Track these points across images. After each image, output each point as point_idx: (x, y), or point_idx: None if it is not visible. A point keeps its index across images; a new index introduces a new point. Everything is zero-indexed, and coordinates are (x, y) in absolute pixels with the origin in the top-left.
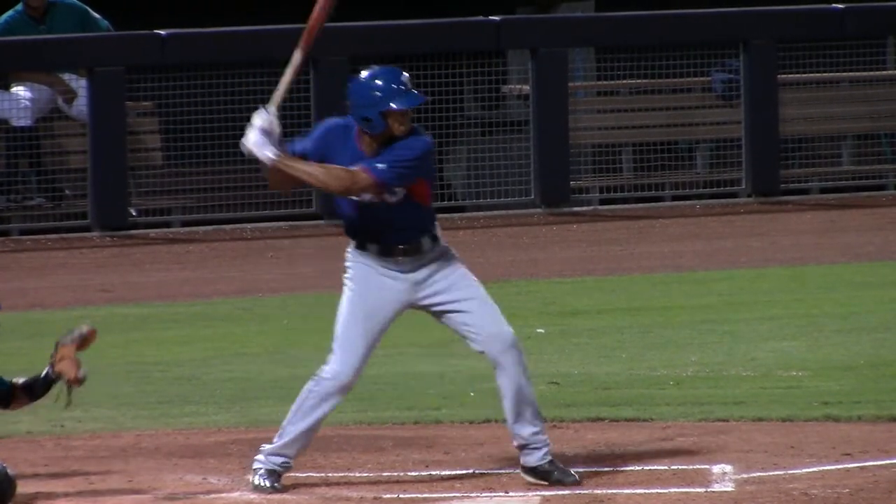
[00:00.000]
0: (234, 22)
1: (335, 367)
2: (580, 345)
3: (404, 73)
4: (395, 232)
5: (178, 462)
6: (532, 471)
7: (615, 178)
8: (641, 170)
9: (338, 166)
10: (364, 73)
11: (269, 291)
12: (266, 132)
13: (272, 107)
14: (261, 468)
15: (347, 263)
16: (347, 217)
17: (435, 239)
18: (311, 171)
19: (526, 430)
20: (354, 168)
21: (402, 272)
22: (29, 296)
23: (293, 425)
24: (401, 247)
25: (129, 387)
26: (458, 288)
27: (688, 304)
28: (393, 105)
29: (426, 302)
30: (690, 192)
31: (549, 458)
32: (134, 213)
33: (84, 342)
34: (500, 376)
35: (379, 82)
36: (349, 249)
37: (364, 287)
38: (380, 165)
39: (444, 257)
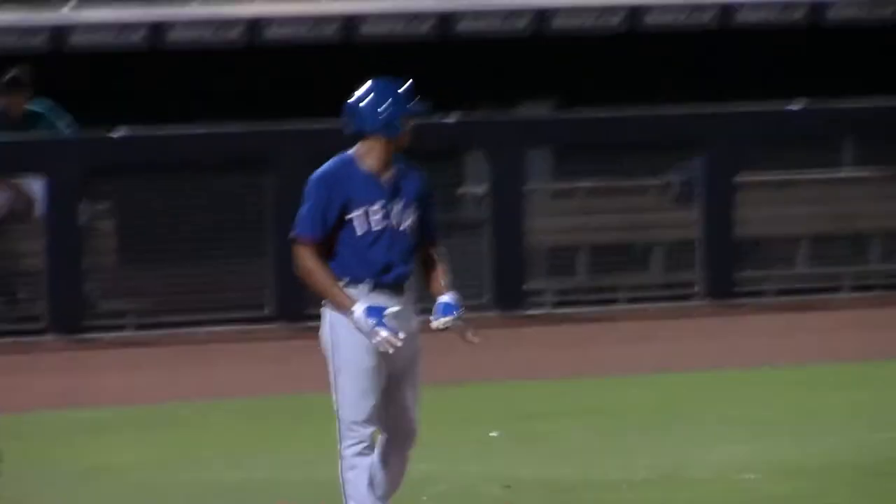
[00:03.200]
0: (192, 121)
1: (355, 432)
2: (534, 448)
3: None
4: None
5: None
6: None
7: (570, 280)
8: (597, 272)
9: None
10: (369, 84)
11: (225, 394)
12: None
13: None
14: None
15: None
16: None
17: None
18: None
19: None
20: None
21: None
22: None
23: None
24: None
25: (85, 491)
26: (415, 351)
27: (641, 406)
28: (414, 107)
29: (392, 368)
30: (645, 294)
31: None
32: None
33: None
34: (388, 464)
35: (396, 88)
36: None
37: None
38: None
39: (412, 310)
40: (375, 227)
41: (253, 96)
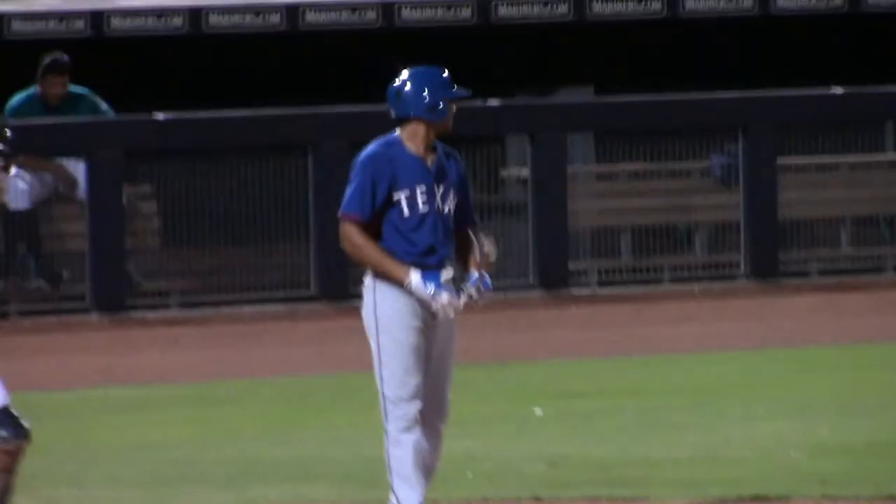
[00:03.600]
0: (230, 106)
1: (400, 409)
2: (578, 426)
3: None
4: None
5: None
6: None
7: (614, 260)
8: (640, 253)
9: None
10: (411, 70)
11: (266, 373)
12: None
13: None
14: None
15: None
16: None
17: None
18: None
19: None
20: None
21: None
22: (28, 377)
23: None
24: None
25: (127, 468)
26: (451, 340)
27: (685, 385)
28: (457, 90)
29: (427, 337)
30: (689, 274)
31: None
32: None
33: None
34: (428, 440)
35: (440, 73)
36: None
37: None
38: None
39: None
40: (422, 210)
41: (293, 81)
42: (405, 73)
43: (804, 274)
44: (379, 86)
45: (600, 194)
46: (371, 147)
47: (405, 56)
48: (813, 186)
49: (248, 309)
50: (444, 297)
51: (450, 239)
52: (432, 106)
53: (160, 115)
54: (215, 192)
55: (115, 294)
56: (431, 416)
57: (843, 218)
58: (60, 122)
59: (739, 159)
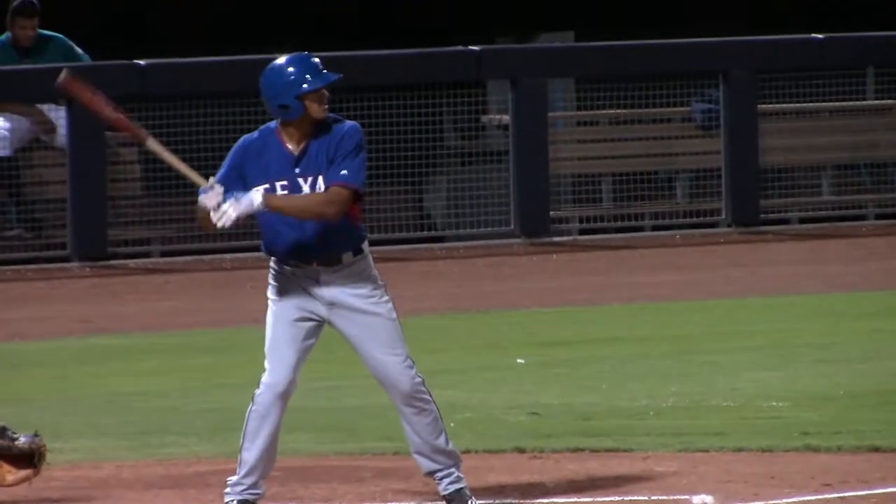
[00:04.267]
0: (213, 52)
1: (268, 378)
2: (560, 375)
3: (314, 57)
4: (315, 243)
5: (158, 493)
6: (443, 498)
7: (595, 207)
8: (621, 200)
9: (315, 193)
10: (272, 64)
11: (249, 322)
12: (233, 197)
13: (209, 180)
14: (233, 500)
15: (270, 276)
16: (270, 231)
17: (358, 253)
18: (297, 202)
19: (426, 466)
20: (329, 190)
21: (318, 285)
22: (8, 327)
23: (248, 451)
24: (316, 262)
25: (108, 418)
26: (366, 326)
27: (667, 334)
28: (306, 86)
29: (336, 327)
30: (670, 221)
31: (452, 487)
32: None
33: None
34: (401, 417)
35: (291, 68)
36: (272, 262)
37: (286, 295)
38: (343, 173)
39: (364, 281)
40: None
41: (277, 25)
42: (269, 66)
43: (785, 221)
44: (371, 32)
45: (581, 141)
46: (247, 136)
47: (387, 2)
48: (794, 133)
49: (229, 257)
50: (230, 210)
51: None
52: (282, 107)
53: (141, 61)
54: (197, 138)
55: (96, 242)
56: (392, 398)
57: (824, 165)
58: (40, 68)
59: (720, 105)
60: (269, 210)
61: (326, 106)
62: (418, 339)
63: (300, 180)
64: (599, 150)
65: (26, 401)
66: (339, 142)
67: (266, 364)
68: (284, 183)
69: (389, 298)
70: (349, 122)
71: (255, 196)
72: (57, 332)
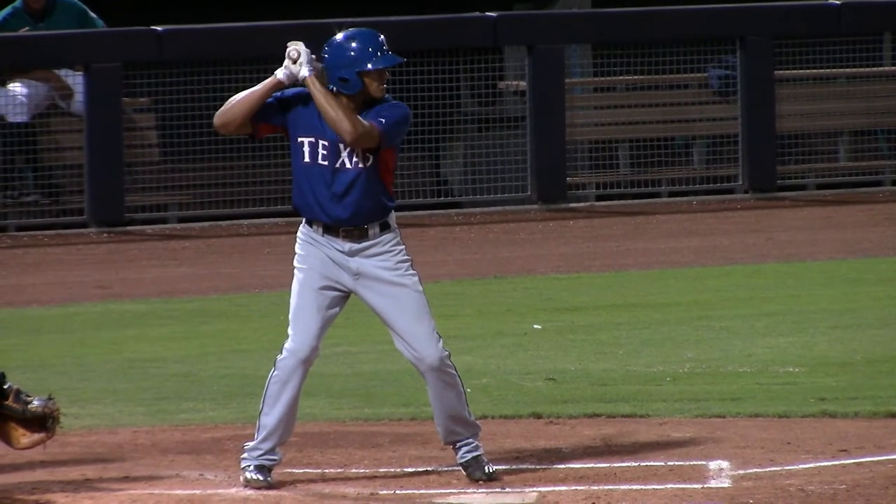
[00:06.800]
0: (230, 18)
1: (291, 344)
2: (576, 341)
3: (381, 34)
4: (345, 209)
5: (174, 458)
6: (460, 465)
7: (612, 174)
8: (638, 166)
9: (349, 113)
10: (340, 35)
11: (265, 287)
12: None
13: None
14: (249, 465)
15: (297, 244)
16: (302, 188)
17: (385, 227)
18: (333, 104)
19: (446, 437)
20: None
21: (345, 255)
22: (25, 292)
23: (267, 416)
24: (343, 229)
25: (125, 383)
26: (393, 297)
27: (684, 300)
28: (370, 65)
29: (363, 298)
30: (687, 188)
31: (469, 455)
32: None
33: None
34: (427, 387)
35: (355, 44)
36: (300, 229)
37: (312, 263)
38: (381, 120)
39: (390, 254)
40: (319, 161)
41: None
42: (335, 38)
43: (802, 187)
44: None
45: (598, 107)
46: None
47: None
48: (811, 99)
49: (246, 223)
50: (302, 51)
51: (352, 199)
52: (342, 80)
53: (158, 27)
54: (216, 104)
55: (113, 208)
56: (419, 369)
57: (840, 130)
58: (56, 34)
59: (737, 71)
60: (306, 87)
61: (385, 86)
62: (435, 304)
63: (341, 146)
64: (616, 116)
65: (44, 366)
66: (384, 107)
67: (289, 330)
68: (326, 143)
69: (416, 272)
70: (402, 104)
71: (304, 71)
72: (74, 298)
